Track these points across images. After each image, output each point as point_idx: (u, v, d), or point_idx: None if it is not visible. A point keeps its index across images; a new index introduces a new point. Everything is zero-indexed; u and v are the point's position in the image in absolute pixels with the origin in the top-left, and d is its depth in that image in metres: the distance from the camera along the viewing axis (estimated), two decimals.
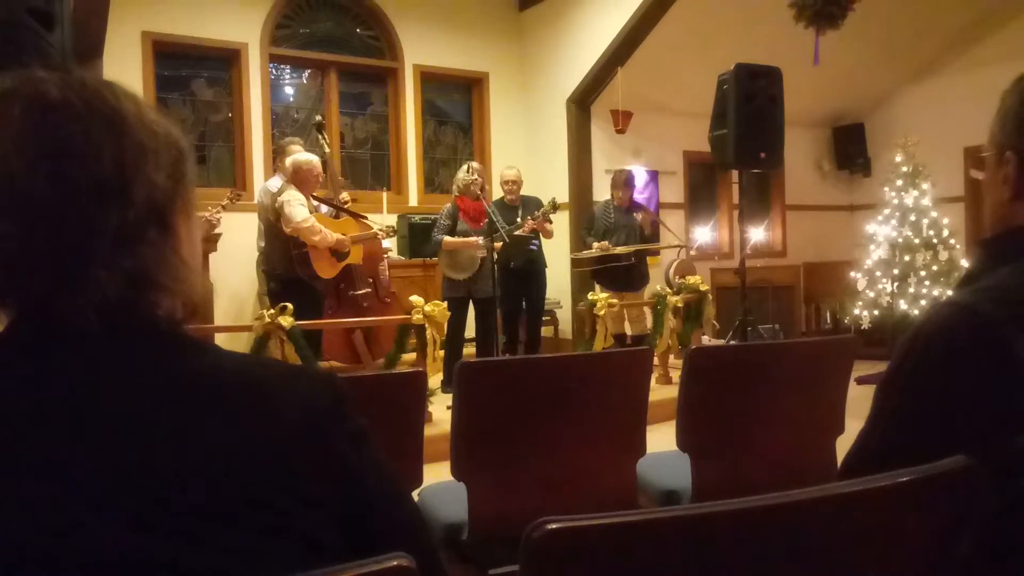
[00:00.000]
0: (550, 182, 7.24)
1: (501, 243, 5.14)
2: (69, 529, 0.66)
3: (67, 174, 0.72)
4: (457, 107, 7.97)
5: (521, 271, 5.74)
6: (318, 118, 6.12)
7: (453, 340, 5.12)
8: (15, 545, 0.65)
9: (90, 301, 0.71)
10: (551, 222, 5.63)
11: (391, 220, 6.51)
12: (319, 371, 0.88)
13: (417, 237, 6.62)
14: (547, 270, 6.08)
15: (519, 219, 5.54)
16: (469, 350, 5.91)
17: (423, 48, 7.42)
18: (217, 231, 5.50)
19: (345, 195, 5.57)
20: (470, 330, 5.73)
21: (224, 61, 6.69)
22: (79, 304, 0.71)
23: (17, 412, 0.70)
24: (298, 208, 4.79)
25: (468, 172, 5.51)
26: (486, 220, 5.45)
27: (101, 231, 0.72)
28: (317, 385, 0.81)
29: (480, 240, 5.36)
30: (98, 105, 0.75)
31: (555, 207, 5.53)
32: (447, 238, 5.43)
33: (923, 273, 6.93)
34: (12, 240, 0.71)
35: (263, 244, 5.32)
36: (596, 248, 6.10)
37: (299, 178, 4.91)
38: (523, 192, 5.95)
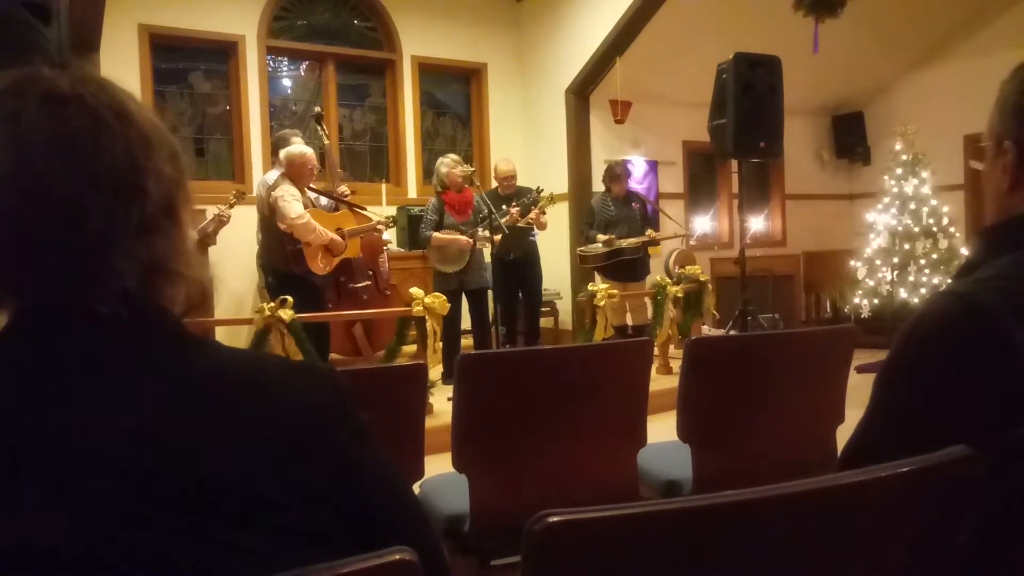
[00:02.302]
0: (549, 173, 7.23)
1: (500, 235, 5.15)
2: (69, 525, 0.66)
3: (86, 166, 0.72)
4: (455, 98, 7.95)
5: (517, 263, 5.75)
6: (317, 109, 6.10)
7: (449, 332, 5.13)
8: (15, 542, 0.65)
9: (112, 293, 0.72)
10: (545, 212, 5.64)
11: (391, 211, 6.51)
12: (320, 368, 0.89)
13: (416, 229, 6.62)
14: (544, 261, 6.08)
15: (509, 208, 5.56)
16: (466, 342, 5.92)
17: (421, 39, 7.39)
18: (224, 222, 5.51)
19: (344, 187, 5.56)
20: (465, 322, 5.74)
21: (221, 53, 6.67)
22: (100, 295, 0.72)
23: (23, 406, 0.70)
24: (293, 204, 4.77)
25: (462, 167, 5.53)
26: (472, 211, 5.49)
27: (122, 222, 0.73)
28: (318, 382, 0.82)
29: (480, 231, 5.37)
30: (105, 99, 0.76)
31: (551, 198, 5.56)
32: (435, 233, 5.46)
33: (923, 261, 6.94)
34: (33, 232, 0.71)
35: (261, 237, 5.31)
36: (601, 242, 6.07)
37: (293, 171, 4.89)
38: (520, 183, 5.97)
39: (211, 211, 5.53)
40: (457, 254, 5.47)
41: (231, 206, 5.52)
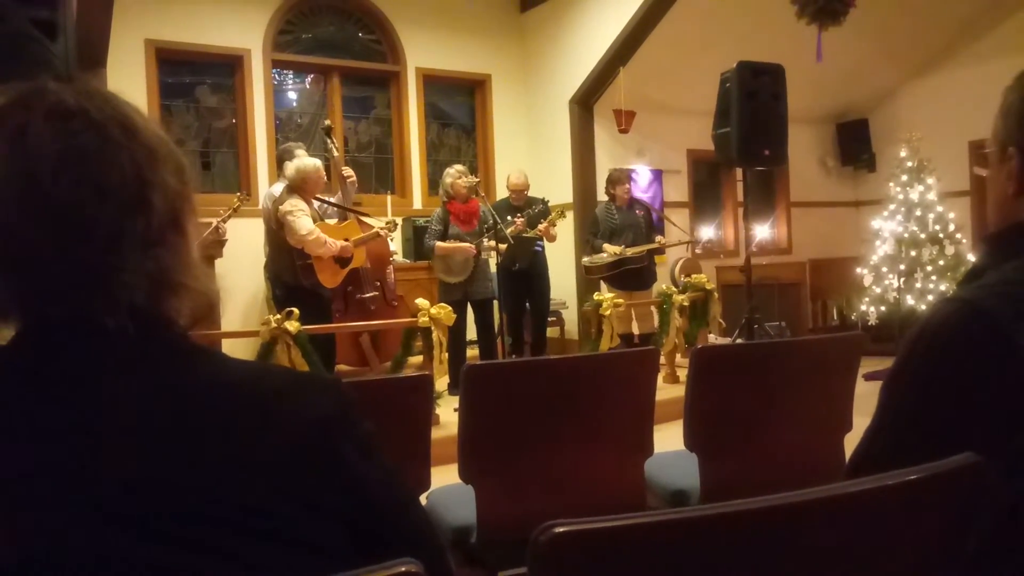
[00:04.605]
0: (554, 183, 7.24)
1: (505, 244, 5.16)
2: (70, 534, 0.66)
3: (92, 180, 0.73)
4: (460, 109, 7.98)
5: (524, 273, 5.75)
6: (327, 123, 6.09)
7: (455, 343, 5.13)
8: (17, 549, 0.65)
9: (119, 306, 0.72)
10: (555, 225, 5.67)
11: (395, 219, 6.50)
12: (325, 378, 0.89)
13: (422, 240, 6.63)
14: (551, 271, 6.09)
15: (514, 219, 5.58)
16: (473, 352, 5.92)
17: (425, 51, 7.43)
18: (224, 237, 5.51)
19: (348, 170, 5.52)
20: (471, 333, 5.74)
21: (227, 67, 6.71)
22: (107, 309, 0.72)
23: (30, 418, 0.71)
24: (303, 219, 4.76)
25: (467, 177, 5.55)
26: (478, 222, 5.51)
27: (129, 235, 0.74)
28: (323, 393, 0.82)
29: (485, 241, 5.38)
30: (111, 112, 0.76)
31: (561, 213, 5.61)
32: (439, 243, 5.47)
33: (929, 268, 6.92)
34: (40, 246, 0.72)
35: (268, 250, 5.32)
36: (611, 253, 6.07)
37: (309, 185, 4.90)
38: (529, 193, 6.01)
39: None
40: (461, 264, 5.48)
41: (235, 210, 5.48)
